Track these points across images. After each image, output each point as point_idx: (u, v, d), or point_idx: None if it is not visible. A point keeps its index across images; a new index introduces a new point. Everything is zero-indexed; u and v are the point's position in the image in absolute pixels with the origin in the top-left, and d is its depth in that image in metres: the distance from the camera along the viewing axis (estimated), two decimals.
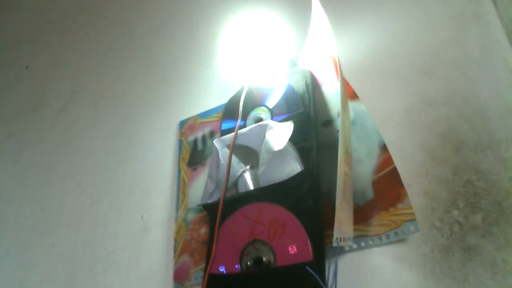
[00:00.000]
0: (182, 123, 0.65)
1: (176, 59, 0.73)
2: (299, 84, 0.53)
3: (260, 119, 0.53)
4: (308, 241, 0.41)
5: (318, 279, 0.37)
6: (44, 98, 0.90)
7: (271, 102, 0.54)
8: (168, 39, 0.78)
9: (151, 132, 0.68)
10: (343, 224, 0.38)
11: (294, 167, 0.45)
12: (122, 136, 0.71)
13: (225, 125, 0.56)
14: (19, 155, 0.84)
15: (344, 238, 0.38)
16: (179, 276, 0.51)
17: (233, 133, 0.51)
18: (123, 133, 0.71)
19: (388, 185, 0.42)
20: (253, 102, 0.56)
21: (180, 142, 0.63)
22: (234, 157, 0.50)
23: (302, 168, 0.44)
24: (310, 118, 0.49)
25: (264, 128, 0.49)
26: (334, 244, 0.36)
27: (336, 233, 0.36)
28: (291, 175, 0.44)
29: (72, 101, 0.85)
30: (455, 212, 0.39)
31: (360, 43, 0.55)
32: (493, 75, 0.45)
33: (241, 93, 0.56)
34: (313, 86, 0.52)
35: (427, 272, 0.38)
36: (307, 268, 0.38)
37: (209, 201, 0.49)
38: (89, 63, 0.88)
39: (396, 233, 0.40)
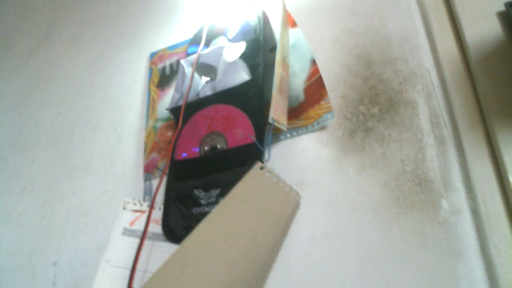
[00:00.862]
0: (153, 54, 0.74)
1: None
2: (253, 19, 0.64)
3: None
4: (252, 129, 0.53)
5: (258, 145, 0.50)
6: (18, 36, 0.96)
7: (230, 34, 0.66)
8: None
9: (125, 63, 0.77)
10: (277, 111, 0.51)
11: (244, 76, 0.57)
12: (98, 68, 0.80)
13: (191, 49, 0.66)
14: None
15: (278, 121, 0.50)
16: (148, 168, 0.62)
17: (197, 53, 0.62)
18: (99, 66, 0.80)
19: (315, 89, 0.55)
20: (215, 34, 0.67)
21: (151, 70, 0.73)
22: (196, 73, 0.62)
23: (250, 78, 0.56)
24: (259, 43, 0.60)
25: (222, 48, 0.60)
26: (270, 121, 0.48)
27: (271, 114, 0.49)
28: (241, 82, 0.56)
29: (47, 40, 0.92)
30: (361, 107, 0.53)
31: None
32: (399, 13, 0.58)
33: (205, 28, 0.67)
34: (264, 20, 0.64)
35: (339, 148, 0.52)
36: (253, 138, 0.51)
37: (173, 107, 0.60)
38: (62, 4, 0.94)
39: (318, 122, 0.53)
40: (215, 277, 0.43)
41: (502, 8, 0.50)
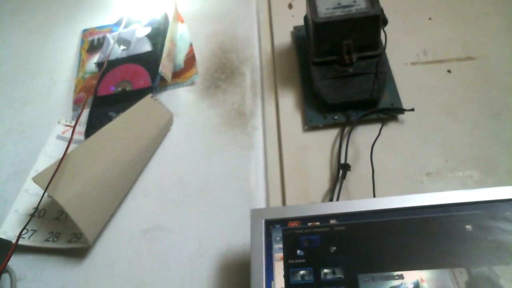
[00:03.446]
0: (84, 30, 1.05)
1: None
2: (158, 17, 0.99)
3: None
4: (149, 79, 0.88)
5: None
6: None
7: (143, 23, 1.00)
8: None
9: (61, 34, 1.06)
10: (165, 68, 0.86)
11: (147, 47, 0.91)
12: (38, 36, 1.07)
13: (114, 29, 0.99)
14: None
15: (165, 73, 0.86)
16: (77, 101, 0.92)
17: (117, 31, 0.95)
18: (38, 34, 1.07)
19: (190, 61, 0.92)
20: (132, 21, 1.00)
21: (82, 40, 1.03)
22: (116, 43, 0.94)
23: (152, 49, 0.91)
24: (160, 30, 0.95)
25: (135, 30, 0.94)
26: (159, 71, 0.83)
27: (160, 68, 0.84)
28: (145, 51, 0.91)
29: None
30: (215, 74, 0.91)
31: (192, 1, 1.05)
32: (245, 25, 0.99)
33: (125, 17, 1.00)
34: (165, 18, 0.99)
35: (200, 95, 0.89)
36: (149, 82, 0.85)
37: (99, 61, 0.92)
38: None
39: (190, 80, 0.90)
40: (100, 161, 0.74)
41: (292, 29, 0.94)
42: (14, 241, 0.67)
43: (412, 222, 0.54)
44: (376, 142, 0.71)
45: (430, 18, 0.90)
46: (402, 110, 0.75)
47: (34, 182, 0.67)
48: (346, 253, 0.53)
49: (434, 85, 0.79)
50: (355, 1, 0.76)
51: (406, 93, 0.78)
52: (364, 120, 0.76)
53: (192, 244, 0.70)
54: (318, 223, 0.57)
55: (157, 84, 0.88)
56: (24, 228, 0.69)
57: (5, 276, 0.67)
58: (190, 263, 0.68)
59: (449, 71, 0.81)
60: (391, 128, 0.75)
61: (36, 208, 0.73)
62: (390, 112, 0.76)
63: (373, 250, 0.53)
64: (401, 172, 0.70)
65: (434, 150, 0.72)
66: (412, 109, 0.74)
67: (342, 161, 0.72)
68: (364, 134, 0.75)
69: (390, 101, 0.77)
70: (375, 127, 0.74)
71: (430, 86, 0.79)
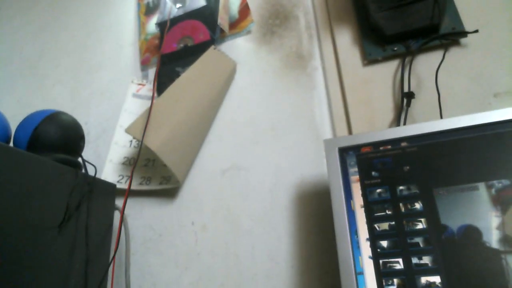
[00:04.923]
0: None
1: None
2: None
3: None
4: (209, 33, 0.92)
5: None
6: None
7: None
8: None
9: (119, 3, 1.12)
10: (222, 20, 0.90)
11: (203, 2, 0.95)
12: (99, 9, 1.14)
13: None
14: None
15: (223, 25, 0.90)
16: (144, 62, 0.99)
17: None
18: (100, 7, 1.14)
19: (244, 10, 0.95)
20: None
21: (139, 4, 1.08)
22: (173, 3, 0.99)
23: (207, 3, 0.95)
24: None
25: None
26: (218, 23, 0.88)
27: (219, 21, 0.88)
28: (201, 6, 0.95)
29: None
30: (270, 20, 0.94)
31: None
32: None
33: None
34: None
35: (257, 42, 0.92)
36: (210, 35, 0.90)
37: (160, 21, 0.98)
38: None
39: (246, 30, 0.93)
40: (180, 110, 0.81)
41: None
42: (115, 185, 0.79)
43: (483, 138, 0.57)
44: (440, 68, 0.72)
45: None
46: (465, 33, 0.74)
47: (128, 133, 0.76)
48: (420, 170, 0.58)
49: (499, 1, 0.77)
50: None
51: (468, 15, 0.76)
52: (425, 48, 0.76)
53: (270, 179, 0.77)
54: (389, 147, 0.62)
55: (218, 36, 0.92)
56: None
57: (116, 213, 0.79)
58: (270, 194, 0.76)
59: None
60: (454, 53, 0.75)
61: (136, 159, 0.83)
62: (453, 36, 0.75)
63: (446, 166, 0.57)
64: (467, 94, 0.71)
65: (502, 69, 0.71)
66: (476, 31, 0.73)
67: (406, 90, 0.74)
68: (425, 62, 0.76)
69: (452, 25, 0.76)
70: (437, 54, 0.75)
71: (494, 3, 0.77)
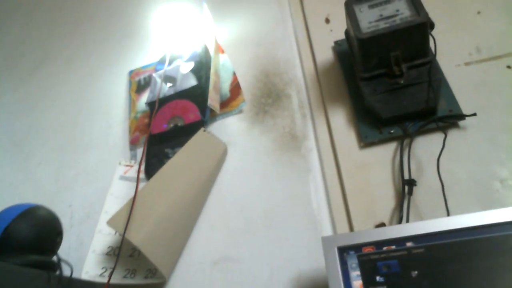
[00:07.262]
0: (131, 72, 1.10)
1: (125, 33, 1.19)
2: (198, 49, 1.02)
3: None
4: (199, 113, 0.90)
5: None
6: (19, 60, 1.26)
7: (184, 58, 1.03)
8: (122, 17, 1.23)
9: (111, 77, 1.11)
10: (213, 101, 0.88)
11: (193, 82, 0.94)
12: (90, 81, 1.13)
13: (159, 67, 1.03)
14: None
15: (213, 105, 0.88)
16: (133, 141, 0.96)
17: (163, 69, 0.99)
18: (90, 79, 1.14)
19: (235, 90, 0.93)
20: (175, 57, 1.04)
21: (130, 82, 1.08)
22: (164, 82, 0.98)
23: (197, 83, 0.94)
24: (202, 63, 0.98)
25: (179, 66, 0.97)
26: (208, 105, 0.86)
27: (209, 102, 0.86)
28: (192, 86, 0.93)
29: (45, 62, 1.23)
30: (262, 99, 0.92)
31: (229, 30, 1.07)
32: (285, 47, 0.99)
33: (167, 54, 1.04)
34: (206, 50, 1.02)
35: (249, 122, 0.90)
36: (199, 117, 0.88)
37: (149, 101, 0.96)
38: (57, 35, 1.27)
39: (238, 108, 0.91)
40: (166, 200, 0.76)
41: (332, 44, 0.93)
42: (95, 280, 0.72)
43: (497, 240, 0.52)
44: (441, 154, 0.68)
45: (478, 12, 0.85)
46: (463, 116, 0.72)
47: (110, 226, 0.71)
48: (430, 277, 0.52)
49: (494, 84, 0.75)
50: (398, 10, 0.74)
51: (464, 97, 0.74)
52: (423, 131, 0.74)
53: (264, 273, 0.70)
54: (393, 247, 0.56)
55: (208, 117, 0.90)
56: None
57: None
58: None
59: (508, 66, 0.77)
60: (453, 136, 0.72)
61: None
62: (450, 119, 0.73)
63: (459, 273, 0.51)
64: (472, 181, 0.67)
65: (505, 153, 0.68)
66: (474, 114, 0.71)
67: (406, 176, 0.70)
68: (424, 145, 0.73)
69: (448, 107, 0.74)
70: (435, 137, 0.72)
71: (490, 86, 0.75)
